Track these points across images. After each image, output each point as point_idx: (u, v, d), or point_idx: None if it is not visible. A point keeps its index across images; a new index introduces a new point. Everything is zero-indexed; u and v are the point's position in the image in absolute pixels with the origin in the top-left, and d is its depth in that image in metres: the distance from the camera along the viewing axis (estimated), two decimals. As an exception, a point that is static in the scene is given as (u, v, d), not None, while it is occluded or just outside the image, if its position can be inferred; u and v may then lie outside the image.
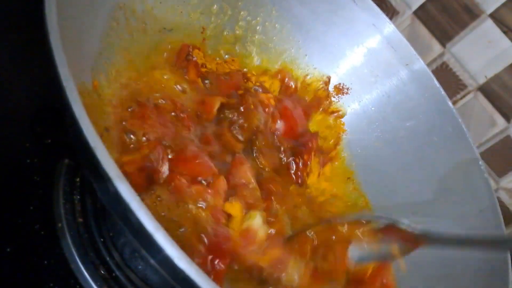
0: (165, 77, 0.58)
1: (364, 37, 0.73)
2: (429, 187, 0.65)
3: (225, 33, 0.70)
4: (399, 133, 0.71)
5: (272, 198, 0.56)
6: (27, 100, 0.59)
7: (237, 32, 0.71)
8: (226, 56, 0.71)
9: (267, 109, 0.65)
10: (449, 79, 0.86)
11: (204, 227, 0.45)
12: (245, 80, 0.69)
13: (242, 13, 0.70)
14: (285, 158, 0.64)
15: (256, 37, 0.73)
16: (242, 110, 0.60)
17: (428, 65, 0.85)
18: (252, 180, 0.56)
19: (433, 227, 0.62)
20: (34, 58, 0.60)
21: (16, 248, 0.48)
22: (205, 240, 0.44)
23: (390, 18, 0.72)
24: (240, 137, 0.59)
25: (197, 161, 0.51)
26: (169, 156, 0.49)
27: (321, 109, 0.75)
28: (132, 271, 0.52)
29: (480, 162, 0.63)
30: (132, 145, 0.47)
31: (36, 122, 0.58)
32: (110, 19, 0.53)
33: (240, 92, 0.64)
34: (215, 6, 0.68)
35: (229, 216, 0.50)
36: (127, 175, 0.40)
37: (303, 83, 0.75)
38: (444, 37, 0.85)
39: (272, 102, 0.66)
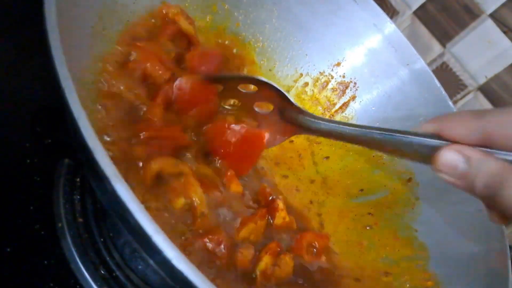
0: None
1: (365, 36, 0.73)
2: (429, 187, 0.65)
3: (225, 32, 0.70)
4: (400, 133, 0.70)
5: None
6: (27, 100, 0.59)
7: (237, 32, 0.71)
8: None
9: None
10: (449, 79, 0.86)
11: None
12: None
13: (242, 13, 0.70)
14: None
15: (256, 37, 0.73)
16: None
17: (428, 65, 0.84)
18: None
19: (432, 227, 0.62)
20: (34, 58, 0.60)
21: (16, 248, 0.48)
22: None
23: (390, 18, 0.72)
24: None
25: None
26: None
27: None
28: (132, 271, 0.52)
29: (480, 162, 0.63)
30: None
31: (36, 122, 0.58)
32: (110, 18, 0.53)
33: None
34: (216, 6, 0.68)
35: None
36: None
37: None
38: (444, 37, 0.85)
39: None
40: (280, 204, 0.58)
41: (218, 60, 0.64)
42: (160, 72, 0.54)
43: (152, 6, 0.60)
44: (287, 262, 0.53)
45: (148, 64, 0.53)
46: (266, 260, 0.51)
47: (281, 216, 0.57)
